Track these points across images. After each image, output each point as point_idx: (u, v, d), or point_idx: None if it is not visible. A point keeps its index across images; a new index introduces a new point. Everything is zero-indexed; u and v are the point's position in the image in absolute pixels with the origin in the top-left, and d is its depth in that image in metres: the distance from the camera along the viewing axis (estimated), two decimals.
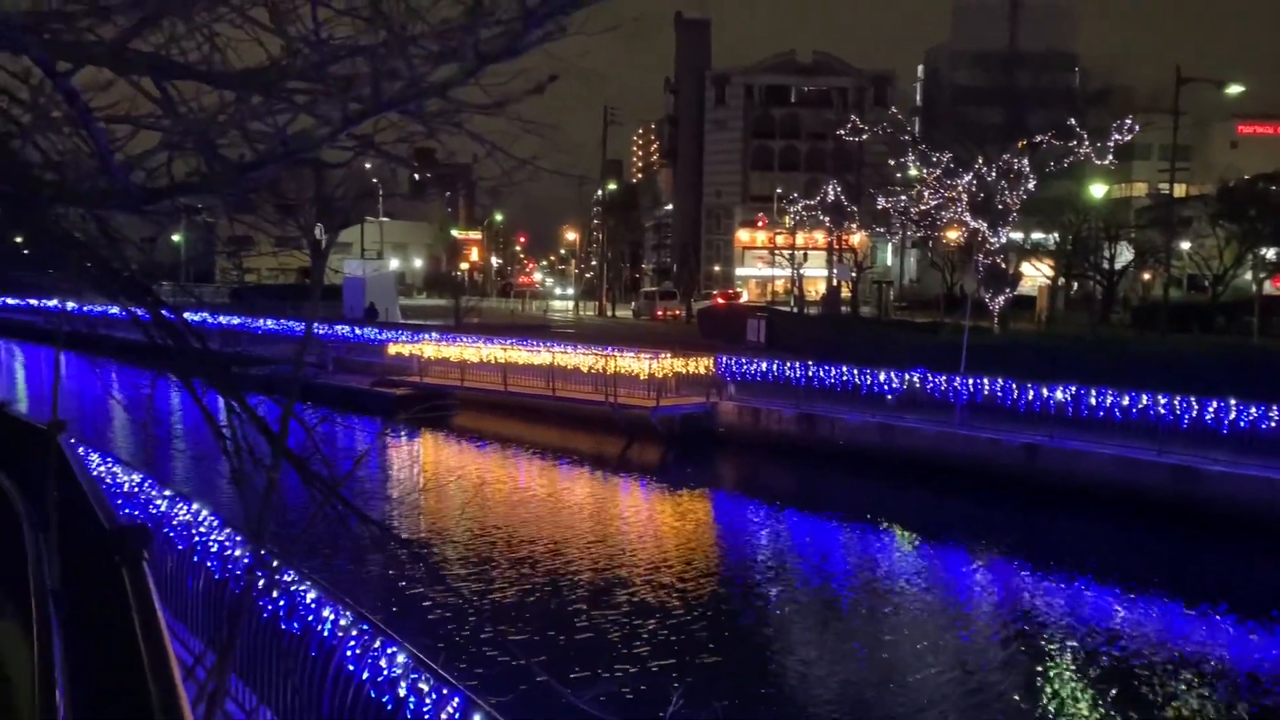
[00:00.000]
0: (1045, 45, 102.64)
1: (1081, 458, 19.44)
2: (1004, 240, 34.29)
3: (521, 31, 2.89)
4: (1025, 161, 33.85)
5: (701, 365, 25.69)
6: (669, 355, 25.73)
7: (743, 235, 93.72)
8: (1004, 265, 34.49)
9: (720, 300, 61.44)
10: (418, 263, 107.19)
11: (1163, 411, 18.46)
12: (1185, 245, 69.82)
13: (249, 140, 3.14)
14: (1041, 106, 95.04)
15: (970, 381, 21.44)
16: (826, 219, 53.38)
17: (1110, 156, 36.30)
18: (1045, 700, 11.22)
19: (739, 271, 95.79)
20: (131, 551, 4.69)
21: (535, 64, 3.02)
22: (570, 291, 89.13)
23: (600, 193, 73.71)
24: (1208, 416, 18.02)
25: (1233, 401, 17.74)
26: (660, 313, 57.33)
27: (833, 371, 23.72)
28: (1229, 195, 74.97)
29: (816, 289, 71.89)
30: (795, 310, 53.05)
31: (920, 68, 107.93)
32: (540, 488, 22.39)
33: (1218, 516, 17.28)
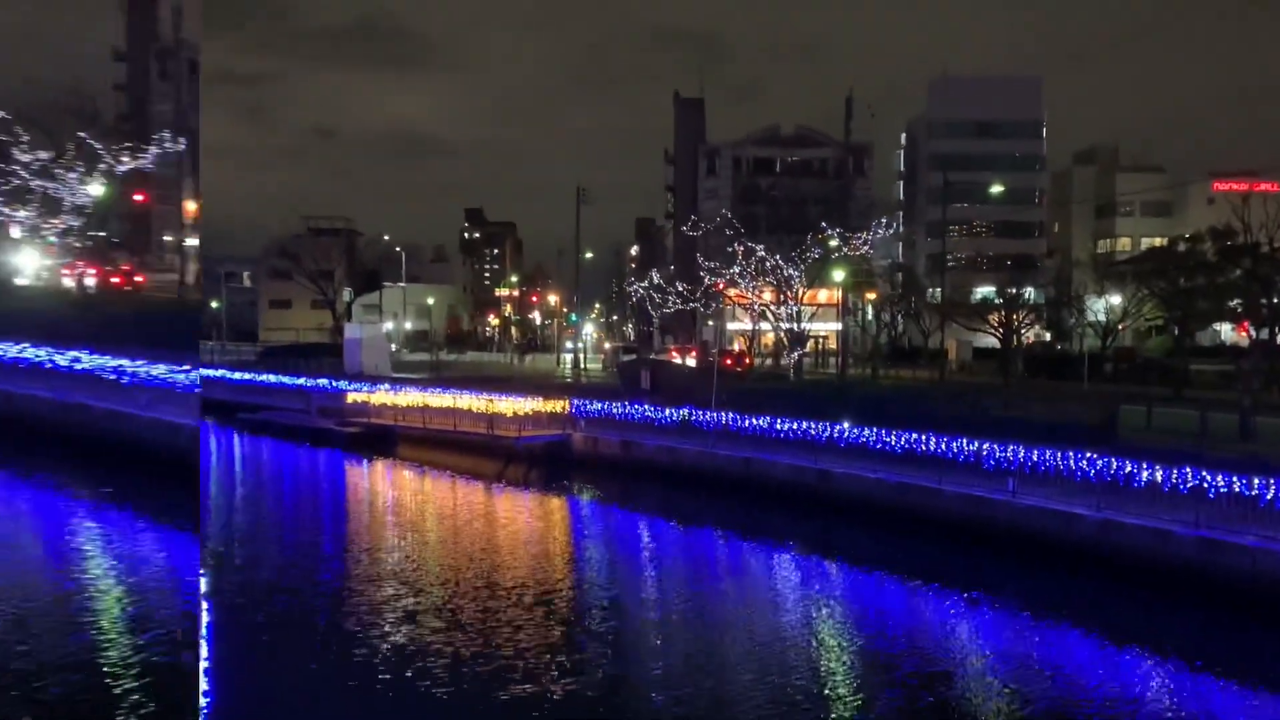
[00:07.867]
0: (1014, 114, 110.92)
1: (775, 466, 28.13)
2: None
3: None
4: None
5: (558, 405, 34.84)
6: (537, 398, 35.01)
7: (730, 292, 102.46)
8: (796, 329, 43.43)
9: (674, 354, 70.18)
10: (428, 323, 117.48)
11: (814, 432, 27.22)
12: (1115, 299, 77.22)
13: None
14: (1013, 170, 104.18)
15: (717, 415, 30.35)
16: (771, 279, 61.83)
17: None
18: None
19: (730, 326, 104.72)
20: None
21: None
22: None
23: (578, 259, 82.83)
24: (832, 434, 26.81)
25: (846, 424, 26.51)
26: None
27: (639, 409, 32.78)
28: (1156, 255, 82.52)
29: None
30: (681, 363, 59.58)
31: (903, 136, 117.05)
32: (441, 493, 32.04)
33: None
